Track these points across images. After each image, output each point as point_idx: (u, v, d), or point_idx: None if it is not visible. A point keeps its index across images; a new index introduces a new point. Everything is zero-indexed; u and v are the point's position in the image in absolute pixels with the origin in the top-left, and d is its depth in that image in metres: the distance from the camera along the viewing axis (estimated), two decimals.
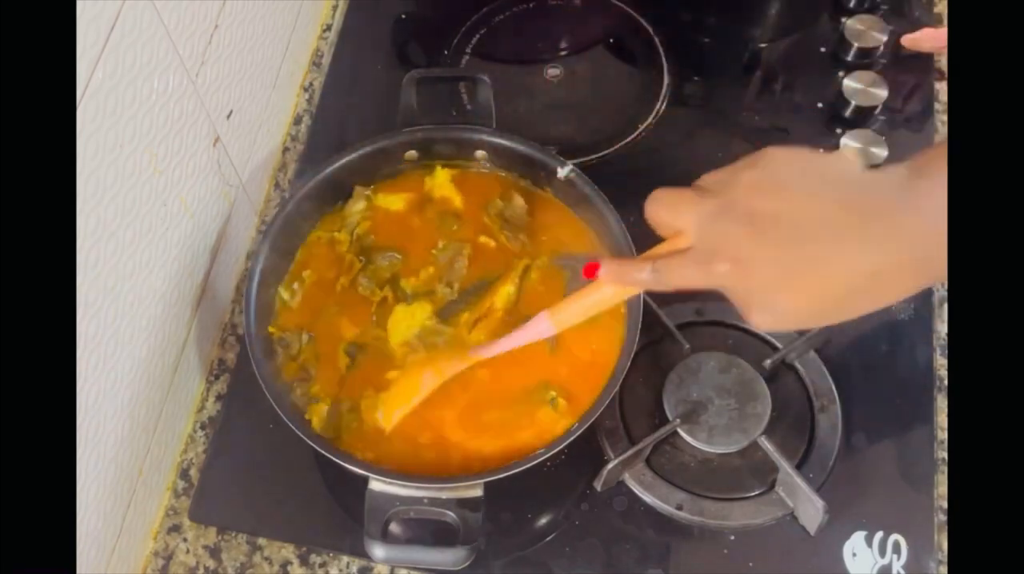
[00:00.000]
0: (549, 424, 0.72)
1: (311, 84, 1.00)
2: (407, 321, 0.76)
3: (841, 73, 0.93)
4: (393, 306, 0.77)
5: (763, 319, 0.51)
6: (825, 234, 0.48)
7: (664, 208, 0.55)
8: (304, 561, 0.77)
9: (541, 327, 0.64)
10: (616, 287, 0.59)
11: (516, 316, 0.75)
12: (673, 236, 0.55)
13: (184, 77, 0.71)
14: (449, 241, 0.79)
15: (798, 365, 0.80)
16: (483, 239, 0.80)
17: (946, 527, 0.75)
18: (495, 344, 0.68)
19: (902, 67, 0.95)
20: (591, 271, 0.59)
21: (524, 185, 0.82)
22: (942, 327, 0.83)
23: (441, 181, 0.82)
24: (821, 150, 0.52)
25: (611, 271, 0.58)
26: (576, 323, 0.63)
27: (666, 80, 0.97)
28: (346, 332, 0.77)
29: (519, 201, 0.81)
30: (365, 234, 0.80)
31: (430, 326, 0.76)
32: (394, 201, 0.82)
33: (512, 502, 0.76)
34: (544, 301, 0.72)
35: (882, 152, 0.87)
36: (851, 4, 0.99)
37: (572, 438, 0.68)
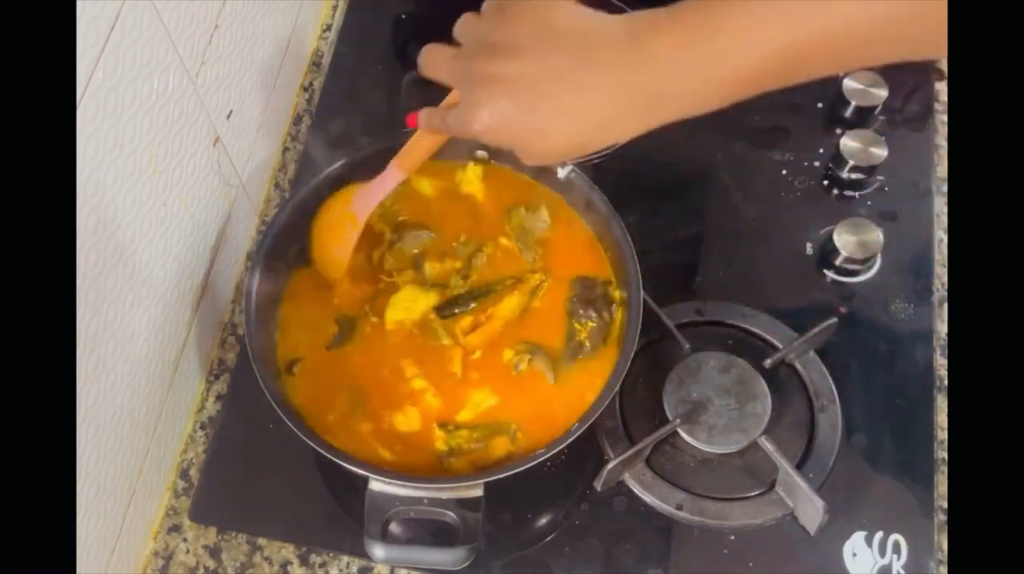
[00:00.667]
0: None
1: (311, 84, 1.00)
2: (409, 304, 0.76)
3: (841, 73, 0.93)
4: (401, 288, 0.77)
5: (529, 160, 0.58)
6: (558, 89, 0.54)
7: (429, 65, 0.63)
8: (304, 561, 0.77)
9: (392, 174, 0.73)
10: (428, 134, 0.68)
11: (515, 329, 0.75)
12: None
13: (184, 77, 0.71)
14: (471, 236, 0.79)
15: (798, 365, 0.80)
16: (503, 241, 0.80)
17: (946, 527, 0.75)
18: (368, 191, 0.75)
19: (902, 67, 0.95)
20: (412, 121, 0.67)
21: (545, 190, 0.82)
22: (942, 327, 0.83)
23: (471, 177, 0.82)
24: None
25: (421, 118, 0.66)
26: (419, 165, 0.72)
27: None
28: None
29: (544, 214, 0.80)
30: (397, 211, 0.81)
31: (429, 320, 0.76)
32: (425, 186, 0.82)
33: (512, 502, 0.76)
34: (542, 318, 0.75)
35: (882, 152, 0.87)
36: None
37: (572, 438, 0.68)
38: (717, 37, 0.50)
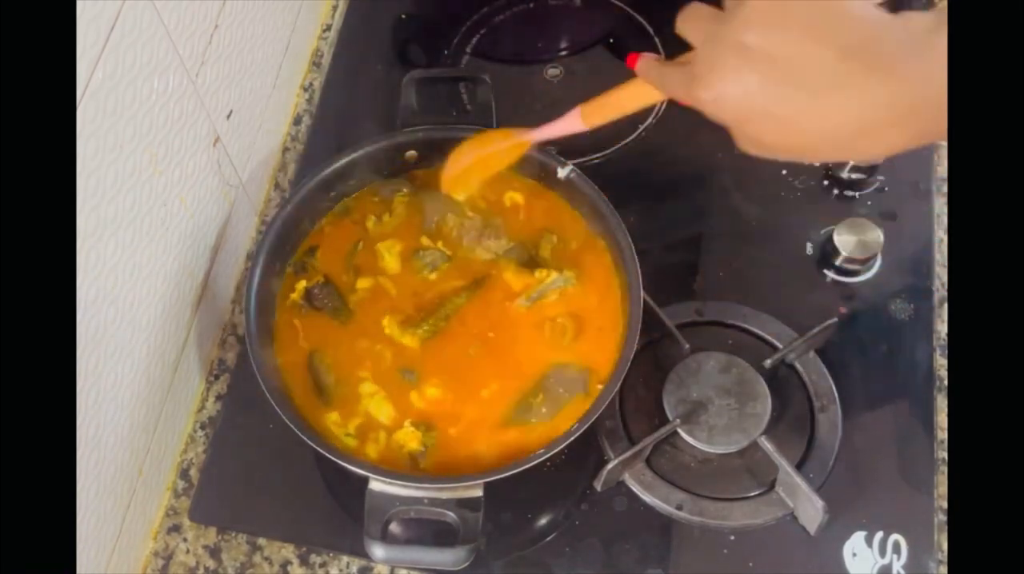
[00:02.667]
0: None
1: (311, 84, 1.00)
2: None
3: None
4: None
5: (748, 147, 0.52)
6: (817, 82, 0.47)
7: (685, 21, 0.54)
8: (304, 561, 0.77)
9: (573, 120, 0.67)
10: (640, 88, 0.61)
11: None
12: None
13: (184, 77, 0.71)
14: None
15: (798, 365, 0.80)
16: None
17: (946, 527, 0.75)
18: (535, 131, 0.71)
19: None
20: (632, 61, 0.60)
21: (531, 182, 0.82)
22: (942, 327, 0.83)
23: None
24: None
25: (641, 64, 0.59)
26: (604, 121, 0.66)
27: None
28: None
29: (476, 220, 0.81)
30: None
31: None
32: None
33: (512, 502, 0.76)
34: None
35: None
36: None
37: (572, 438, 0.68)
38: None
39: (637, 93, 0.62)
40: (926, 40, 0.47)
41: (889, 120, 0.47)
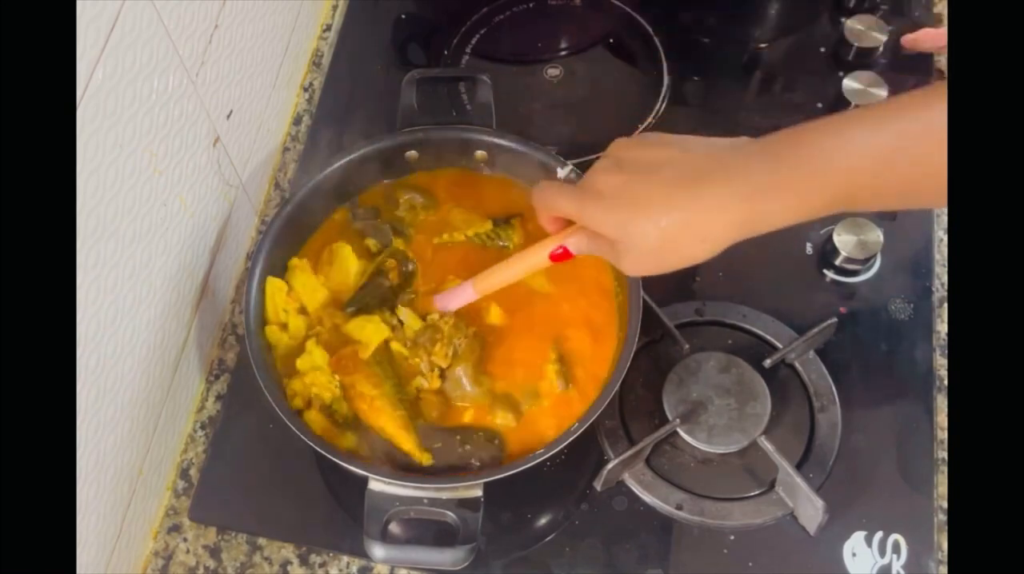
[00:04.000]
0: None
1: (311, 84, 1.00)
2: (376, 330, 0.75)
3: (841, 73, 0.93)
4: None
5: (627, 262, 0.60)
6: (676, 179, 0.58)
7: (555, 200, 0.64)
8: (304, 561, 0.77)
9: (463, 293, 0.74)
10: (531, 252, 0.69)
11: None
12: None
13: (184, 77, 0.71)
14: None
15: (798, 365, 0.80)
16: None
17: (946, 527, 0.75)
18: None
19: (902, 67, 0.95)
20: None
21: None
22: (942, 327, 0.83)
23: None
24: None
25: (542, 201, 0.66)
26: (495, 289, 0.73)
27: (666, 80, 0.97)
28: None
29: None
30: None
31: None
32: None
33: (512, 502, 0.76)
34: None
35: None
36: (851, 4, 0.99)
37: (572, 438, 0.68)
38: (803, 162, 0.57)
39: (517, 269, 0.71)
40: (747, 147, 0.59)
41: (721, 211, 0.57)
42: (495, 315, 0.76)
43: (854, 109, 0.55)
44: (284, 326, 0.76)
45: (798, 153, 0.57)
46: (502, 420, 0.73)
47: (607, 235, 0.60)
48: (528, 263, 0.70)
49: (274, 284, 0.76)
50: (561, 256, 0.66)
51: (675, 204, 0.57)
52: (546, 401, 0.74)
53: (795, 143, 0.57)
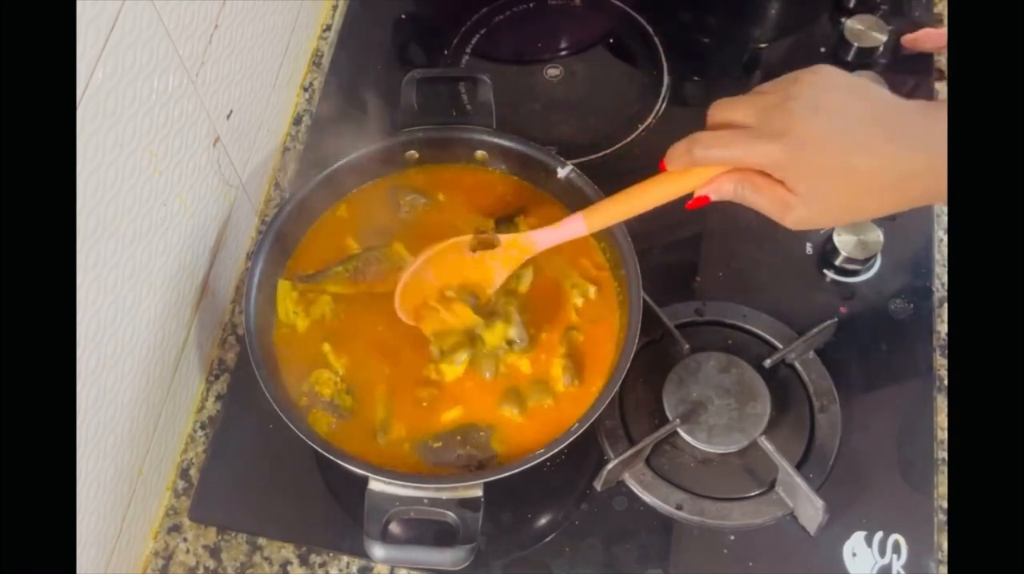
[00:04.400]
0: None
1: (311, 84, 1.00)
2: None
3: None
4: None
5: (802, 211, 0.58)
6: (870, 134, 0.56)
7: (725, 107, 0.61)
8: (304, 561, 0.77)
9: (576, 226, 0.71)
10: (658, 184, 0.66)
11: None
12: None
13: (184, 77, 0.71)
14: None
15: (798, 365, 0.80)
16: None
17: (946, 527, 0.75)
18: (536, 235, 0.73)
19: (902, 67, 0.95)
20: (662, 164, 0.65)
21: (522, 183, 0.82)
22: (942, 327, 0.83)
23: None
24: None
25: (677, 153, 0.63)
26: (610, 222, 0.71)
27: (666, 80, 0.97)
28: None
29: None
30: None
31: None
32: None
33: (512, 502, 0.76)
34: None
35: None
36: (851, 4, 0.99)
37: (572, 438, 0.68)
38: None
39: (647, 201, 0.67)
40: (926, 113, 0.56)
41: (923, 169, 0.55)
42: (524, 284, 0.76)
43: None
44: (293, 328, 0.77)
45: None
46: (508, 414, 0.73)
47: (796, 187, 0.57)
48: (652, 197, 0.67)
49: (284, 286, 0.77)
50: (701, 200, 0.63)
51: (890, 164, 0.55)
52: (550, 398, 0.73)
53: None
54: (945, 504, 0.76)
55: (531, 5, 1.03)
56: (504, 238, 0.74)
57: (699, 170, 0.62)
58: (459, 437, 0.72)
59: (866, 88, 0.58)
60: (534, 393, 0.74)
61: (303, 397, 0.74)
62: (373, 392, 0.74)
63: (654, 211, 0.85)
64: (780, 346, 0.80)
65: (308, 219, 0.81)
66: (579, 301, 0.77)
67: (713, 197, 0.62)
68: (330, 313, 0.77)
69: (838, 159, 0.56)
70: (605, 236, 0.77)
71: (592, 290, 0.77)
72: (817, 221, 0.58)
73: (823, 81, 0.58)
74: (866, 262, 0.84)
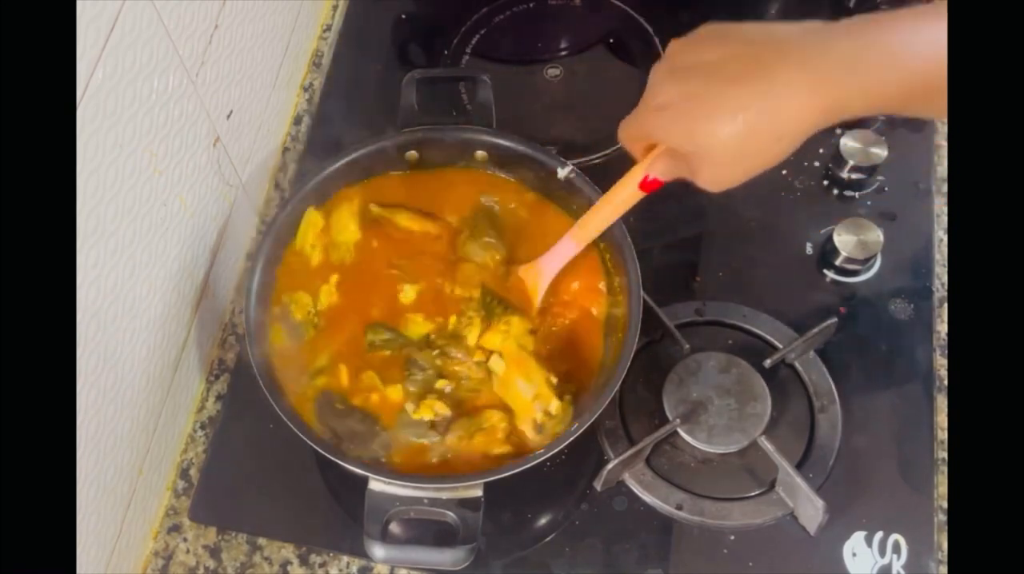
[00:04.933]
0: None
1: (311, 84, 1.00)
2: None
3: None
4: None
5: (705, 171, 0.57)
6: (735, 72, 0.54)
7: (629, 127, 0.63)
8: (304, 561, 0.77)
9: (566, 247, 0.74)
10: (621, 186, 0.68)
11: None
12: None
13: (184, 77, 0.71)
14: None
15: (798, 365, 0.80)
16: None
17: (946, 527, 0.75)
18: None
19: None
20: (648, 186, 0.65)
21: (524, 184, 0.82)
22: (942, 327, 0.83)
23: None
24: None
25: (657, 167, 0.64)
26: (594, 236, 0.73)
27: None
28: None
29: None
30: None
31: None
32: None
33: (512, 502, 0.76)
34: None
35: (882, 152, 0.87)
36: (851, 4, 0.99)
37: (572, 438, 0.68)
38: (885, 47, 0.53)
39: (614, 207, 0.70)
40: (821, 31, 0.54)
41: (811, 98, 0.53)
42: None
43: (928, 3, 0.55)
44: (306, 259, 0.78)
45: (879, 37, 0.53)
46: (531, 435, 0.72)
47: (680, 150, 0.57)
48: (619, 200, 0.69)
49: (312, 215, 0.79)
50: (651, 184, 0.64)
51: (743, 102, 0.53)
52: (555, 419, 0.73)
53: (875, 27, 0.53)
54: (945, 504, 0.76)
55: (531, 5, 1.03)
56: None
57: (645, 161, 0.64)
58: (360, 416, 0.73)
59: (726, 34, 0.58)
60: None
61: (277, 306, 0.76)
62: (332, 343, 0.75)
63: (653, 211, 0.86)
64: (780, 346, 0.80)
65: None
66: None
67: (659, 177, 0.64)
68: (349, 262, 0.79)
69: (695, 116, 0.55)
70: (606, 238, 0.77)
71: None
72: (723, 175, 0.57)
73: (690, 43, 0.59)
74: (866, 262, 0.84)
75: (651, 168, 0.63)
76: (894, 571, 0.73)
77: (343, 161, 0.80)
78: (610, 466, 0.74)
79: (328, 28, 1.03)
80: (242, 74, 0.82)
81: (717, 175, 0.57)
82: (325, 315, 0.77)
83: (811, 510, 0.72)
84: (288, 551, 0.77)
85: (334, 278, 0.78)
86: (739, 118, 0.53)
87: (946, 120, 0.55)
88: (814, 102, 0.53)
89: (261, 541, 0.78)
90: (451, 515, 0.66)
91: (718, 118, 0.54)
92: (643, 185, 0.65)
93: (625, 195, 0.68)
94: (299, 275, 0.78)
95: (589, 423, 0.68)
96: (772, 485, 0.76)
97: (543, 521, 0.77)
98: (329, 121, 0.96)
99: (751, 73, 0.54)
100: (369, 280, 0.78)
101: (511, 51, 1.01)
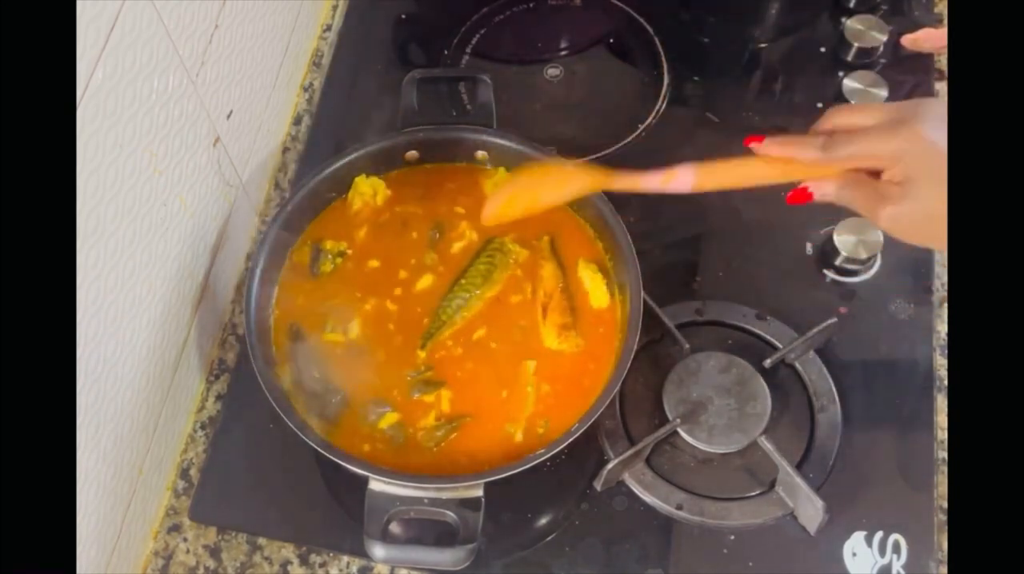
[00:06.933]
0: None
1: (311, 84, 1.00)
2: None
3: (841, 73, 0.93)
4: None
5: (898, 207, 0.57)
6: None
7: (844, 111, 0.62)
8: (304, 561, 0.77)
9: (683, 179, 0.66)
10: (770, 165, 0.63)
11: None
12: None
13: (184, 77, 0.71)
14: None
15: (798, 365, 0.80)
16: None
17: (946, 527, 0.75)
18: (634, 177, 0.68)
19: (902, 67, 0.95)
20: (751, 141, 0.62)
21: None
22: (942, 327, 0.83)
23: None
24: None
25: (775, 145, 0.62)
26: (716, 187, 0.65)
27: (666, 80, 0.97)
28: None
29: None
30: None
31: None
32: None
33: (512, 502, 0.76)
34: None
35: None
36: (851, 4, 0.99)
37: (572, 438, 0.68)
38: None
39: (755, 171, 0.64)
40: None
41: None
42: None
43: None
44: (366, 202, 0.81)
45: None
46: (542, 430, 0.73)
47: (902, 176, 0.57)
48: (759, 177, 0.64)
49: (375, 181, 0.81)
50: (800, 197, 0.62)
51: None
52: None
53: None
54: (945, 504, 0.76)
55: (531, 5, 1.03)
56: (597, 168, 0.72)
57: (801, 164, 0.62)
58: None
59: None
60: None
61: (310, 240, 0.80)
62: (356, 291, 0.78)
63: (654, 211, 0.86)
64: (780, 346, 0.80)
65: (308, 219, 0.81)
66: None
67: (816, 196, 0.62)
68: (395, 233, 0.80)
69: (943, 174, 0.54)
70: (605, 235, 0.77)
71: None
72: (905, 222, 0.57)
73: (936, 121, 0.57)
74: (866, 262, 0.84)
75: (817, 185, 0.61)
76: (894, 571, 0.73)
77: (342, 161, 0.80)
78: (610, 466, 0.74)
79: (328, 28, 1.03)
80: (242, 74, 0.83)
81: (902, 213, 0.58)
82: (355, 262, 0.79)
83: (811, 510, 0.72)
84: (288, 551, 0.77)
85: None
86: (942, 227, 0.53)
87: None
88: None
89: (261, 541, 0.78)
90: (451, 515, 0.66)
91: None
92: (797, 194, 0.62)
93: (764, 176, 0.64)
94: (342, 219, 0.80)
95: (589, 423, 0.68)
96: (772, 485, 0.76)
97: (543, 521, 0.77)
98: (329, 121, 0.96)
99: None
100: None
101: (511, 51, 1.01)
